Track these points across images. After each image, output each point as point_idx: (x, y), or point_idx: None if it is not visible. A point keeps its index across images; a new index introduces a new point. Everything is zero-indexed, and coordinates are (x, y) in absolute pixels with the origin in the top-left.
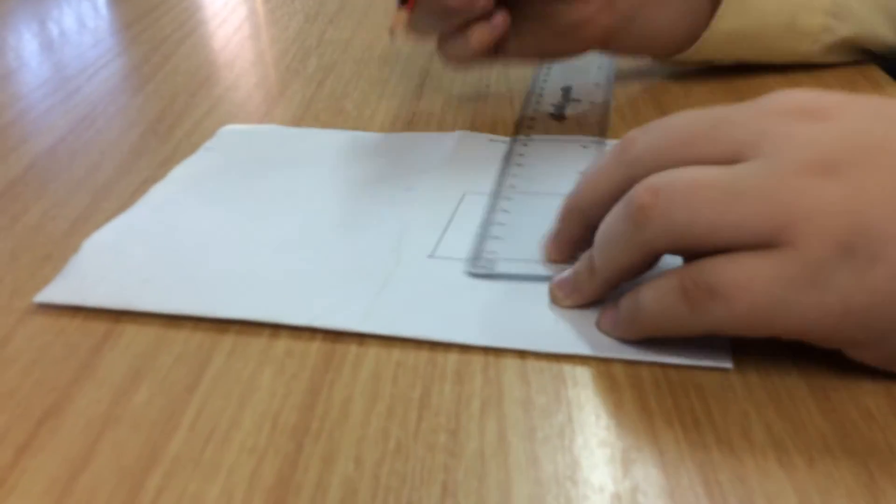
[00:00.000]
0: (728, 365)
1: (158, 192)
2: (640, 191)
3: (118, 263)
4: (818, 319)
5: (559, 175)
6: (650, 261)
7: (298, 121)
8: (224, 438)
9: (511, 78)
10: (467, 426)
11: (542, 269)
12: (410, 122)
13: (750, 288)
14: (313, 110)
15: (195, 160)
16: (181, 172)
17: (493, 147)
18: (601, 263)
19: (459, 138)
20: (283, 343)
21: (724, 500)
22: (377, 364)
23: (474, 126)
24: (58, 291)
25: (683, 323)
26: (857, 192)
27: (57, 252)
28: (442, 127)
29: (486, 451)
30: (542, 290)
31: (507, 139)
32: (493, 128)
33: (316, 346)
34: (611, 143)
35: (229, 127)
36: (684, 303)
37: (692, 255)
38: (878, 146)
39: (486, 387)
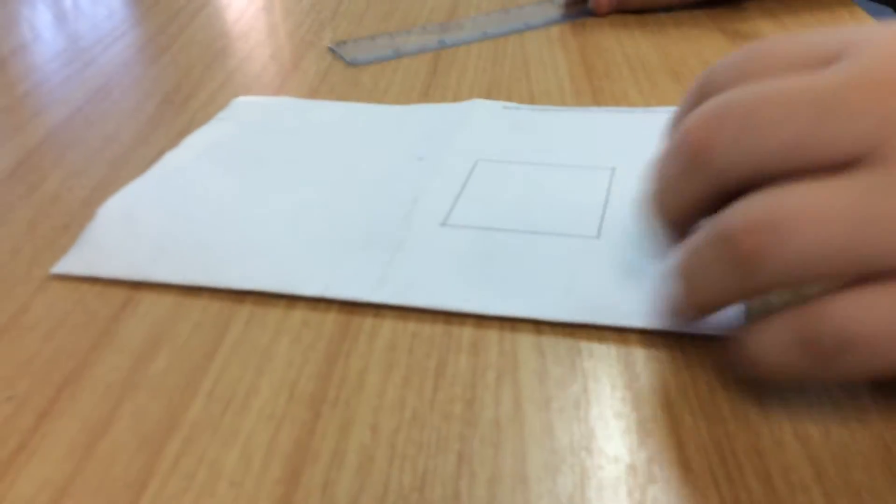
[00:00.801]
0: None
1: (171, 160)
2: (691, 125)
3: (133, 233)
4: None
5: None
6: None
7: (313, 93)
8: (242, 406)
9: (527, 49)
10: (483, 396)
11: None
12: (426, 94)
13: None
14: (328, 82)
15: (208, 129)
16: (194, 141)
17: (508, 114)
18: (657, 207)
19: (473, 106)
20: (299, 313)
21: (739, 472)
22: (393, 335)
23: (490, 97)
24: (74, 263)
25: (808, 376)
26: None
27: (75, 222)
28: (458, 98)
29: (501, 421)
30: (558, 257)
31: (523, 106)
32: (508, 99)
33: (332, 317)
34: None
35: (242, 98)
36: (807, 358)
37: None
38: None
39: (502, 357)
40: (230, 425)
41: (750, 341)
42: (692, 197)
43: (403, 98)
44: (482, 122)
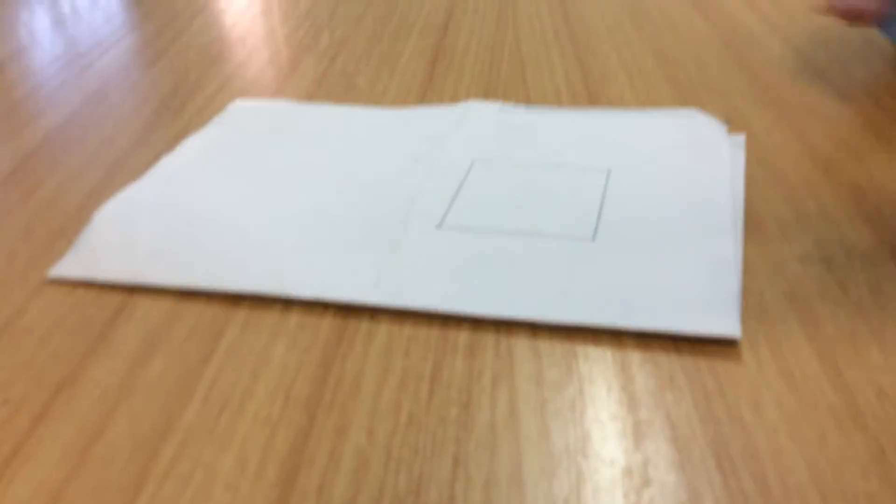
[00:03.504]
0: (736, 333)
1: (167, 165)
2: None
3: (129, 236)
4: None
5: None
6: None
7: (310, 96)
8: (238, 409)
9: (523, 52)
10: (479, 399)
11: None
12: (423, 96)
13: None
14: (325, 86)
15: (205, 134)
16: (191, 145)
17: (504, 115)
18: None
19: (469, 108)
20: (295, 317)
21: (735, 476)
22: (389, 338)
23: (487, 99)
24: (70, 266)
25: None
26: None
27: (71, 226)
28: (454, 101)
29: (497, 424)
30: (553, 259)
31: (519, 107)
32: (505, 101)
33: (328, 321)
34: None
35: (239, 102)
36: None
37: None
38: None
39: (498, 361)
40: (226, 429)
41: None
42: None
43: (400, 101)
44: (478, 123)
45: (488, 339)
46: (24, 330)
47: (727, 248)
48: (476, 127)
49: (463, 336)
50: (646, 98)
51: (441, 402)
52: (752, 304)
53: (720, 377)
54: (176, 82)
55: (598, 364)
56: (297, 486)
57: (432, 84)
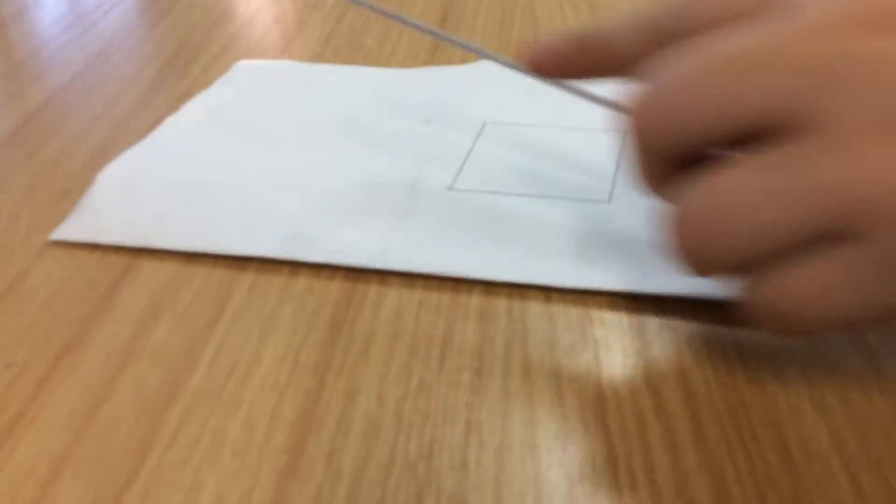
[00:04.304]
0: None
1: (172, 125)
2: (635, 108)
3: (133, 198)
4: None
5: None
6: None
7: (317, 57)
8: (245, 374)
9: (537, 11)
10: (491, 365)
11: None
12: (432, 56)
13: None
14: (332, 46)
15: (209, 95)
16: (195, 106)
17: (517, 75)
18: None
19: (481, 68)
20: (303, 280)
21: (755, 442)
22: (399, 302)
23: None
24: (73, 228)
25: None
26: None
27: (74, 187)
28: (465, 61)
29: (510, 390)
30: (568, 223)
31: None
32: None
33: (336, 284)
34: None
35: (244, 62)
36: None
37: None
38: None
39: (511, 326)
40: (233, 394)
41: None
42: (655, 171)
43: (409, 61)
44: (491, 84)
45: (501, 303)
46: (27, 293)
47: None
48: (488, 87)
49: (475, 300)
50: None
51: (453, 368)
52: None
53: (740, 341)
54: (180, 43)
55: (613, 329)
56: (307, 451)
57: (442, 44)
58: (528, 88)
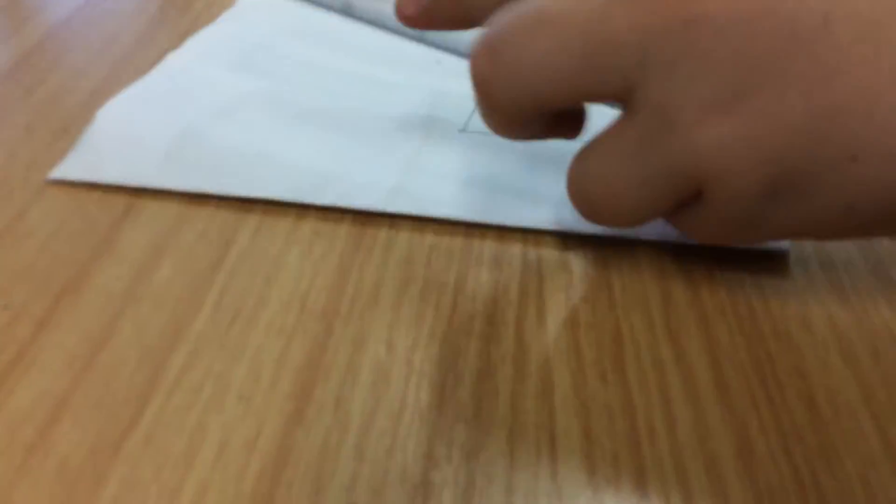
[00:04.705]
0: (784, 245)
1: (174, 61)
2: (473, 56)
3: (135, 136)
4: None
5: None
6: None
7: None
8: (250, 318)
9: None
10: (505, 313)
11: None
12: None
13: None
14: None
15: (213, 30)
16: (198, 42)
17: None
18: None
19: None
20: (310, 223)
21: (781, 395)
22: (409, 247)
23: None
24: (73, 167)
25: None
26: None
27: (74, 125)
28: None
29: (525, 338)
30: None
31: None
32: None
33: (345, 228)
34: None
35: None
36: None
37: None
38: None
39: (526, 272)
40: (238, 338)
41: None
42: (507, 123)
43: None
44: None
45: (515, 249)
46: (25, 233)
47: None
48: None
49: (488, 245)
50: None
51: (465, 315)
52: None
53: (766, 292)
54: None
55: (632, 277)
56: (314, 398)
57: None
58: None
